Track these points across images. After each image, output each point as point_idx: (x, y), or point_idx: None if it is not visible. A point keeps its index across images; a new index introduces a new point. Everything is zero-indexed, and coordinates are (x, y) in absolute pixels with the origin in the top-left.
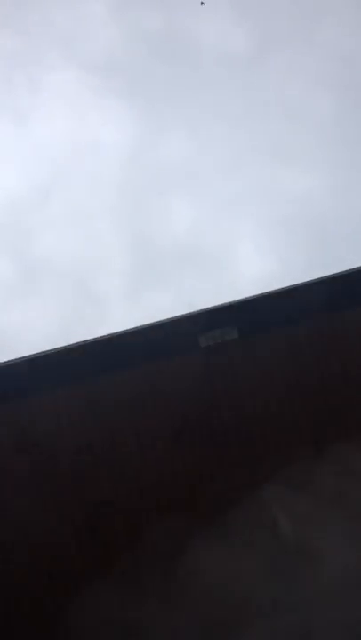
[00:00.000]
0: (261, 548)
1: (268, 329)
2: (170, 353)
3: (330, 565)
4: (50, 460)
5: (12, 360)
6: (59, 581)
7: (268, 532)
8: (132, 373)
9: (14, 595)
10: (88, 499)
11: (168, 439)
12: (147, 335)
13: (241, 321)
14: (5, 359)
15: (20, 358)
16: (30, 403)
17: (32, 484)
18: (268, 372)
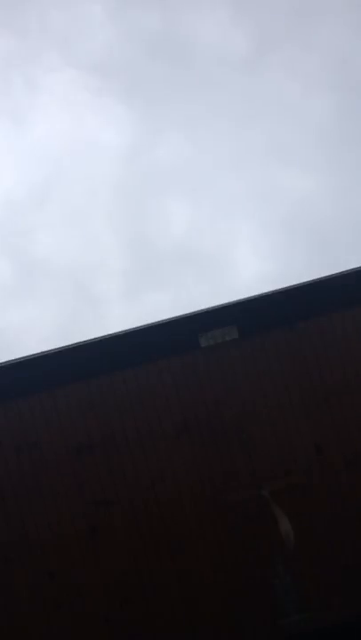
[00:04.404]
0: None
1: (268, 329)
2: (170, 353)
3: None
4: (50, 460)
5: (12, 360)
6: (59, 581)
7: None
8: (132, 373)
9: (14, 595)
10: (88, 499)
11: (168, 439)
12: (147, 335)
13: (241, 321)
14: (5, 359)
15: (19, 358)
16: (30, 403)
17: (32, 483)
18: (268, 371)
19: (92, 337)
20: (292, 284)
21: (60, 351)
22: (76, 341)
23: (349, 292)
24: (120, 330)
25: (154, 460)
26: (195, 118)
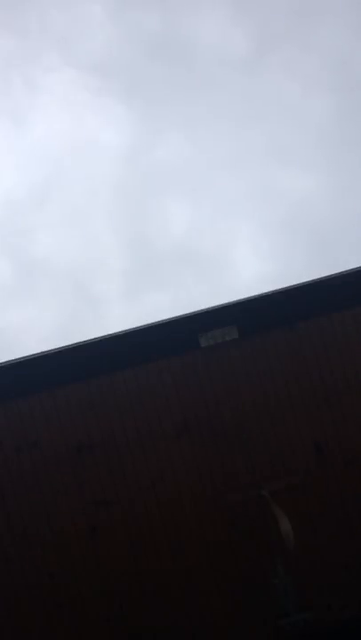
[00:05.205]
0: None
1: (268, 329)
2: (170, 353)
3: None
4: (50, 460)
5: (12, 360)
6: (59, 581)
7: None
8: (132, 373)
9: (14, 595)
10: (88, 498)
11: (168, 439)
12: (147, 335)
13: (241, 321)
14: (5, 359)
15: (19, 358)
16: (30, 403)
17: (32, 483)
18: (268, 371)
19: (92, 337)
20: (292, 283)
21: (60, 351)
22: (76, 341)
23: (349, 291)
24: (120, 330)
25: (154, 460)
26: (195, 119)
